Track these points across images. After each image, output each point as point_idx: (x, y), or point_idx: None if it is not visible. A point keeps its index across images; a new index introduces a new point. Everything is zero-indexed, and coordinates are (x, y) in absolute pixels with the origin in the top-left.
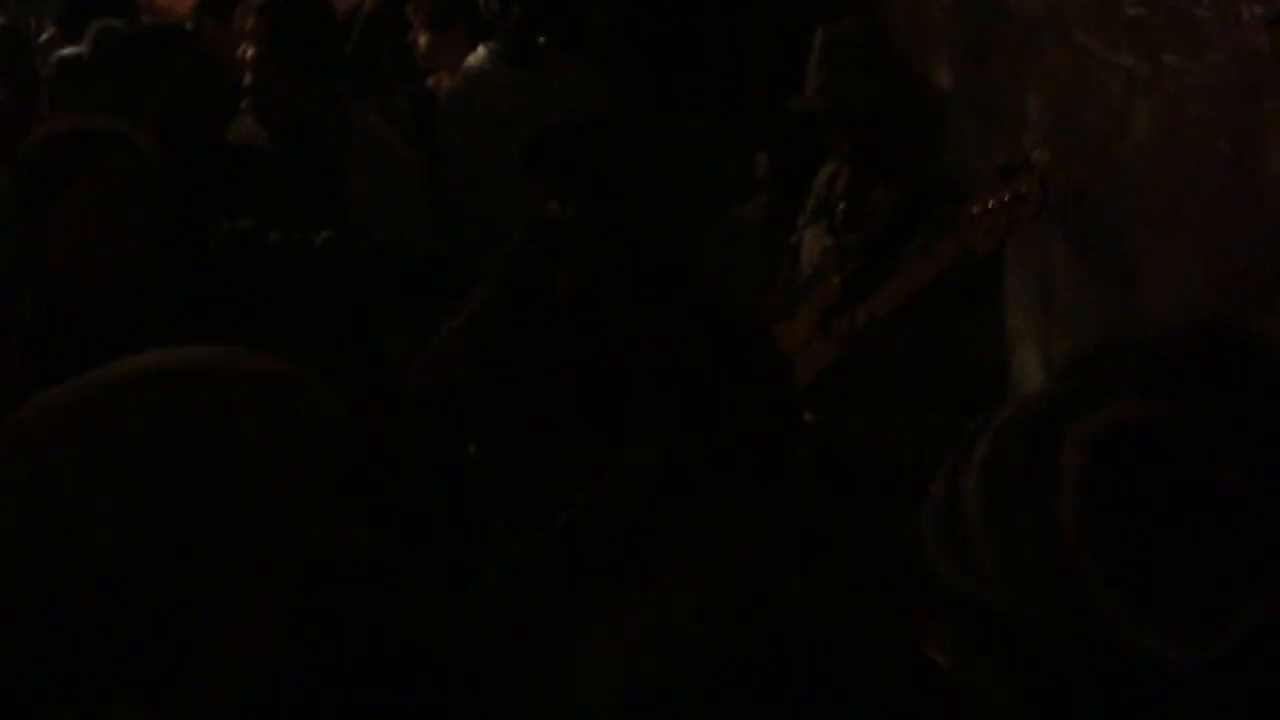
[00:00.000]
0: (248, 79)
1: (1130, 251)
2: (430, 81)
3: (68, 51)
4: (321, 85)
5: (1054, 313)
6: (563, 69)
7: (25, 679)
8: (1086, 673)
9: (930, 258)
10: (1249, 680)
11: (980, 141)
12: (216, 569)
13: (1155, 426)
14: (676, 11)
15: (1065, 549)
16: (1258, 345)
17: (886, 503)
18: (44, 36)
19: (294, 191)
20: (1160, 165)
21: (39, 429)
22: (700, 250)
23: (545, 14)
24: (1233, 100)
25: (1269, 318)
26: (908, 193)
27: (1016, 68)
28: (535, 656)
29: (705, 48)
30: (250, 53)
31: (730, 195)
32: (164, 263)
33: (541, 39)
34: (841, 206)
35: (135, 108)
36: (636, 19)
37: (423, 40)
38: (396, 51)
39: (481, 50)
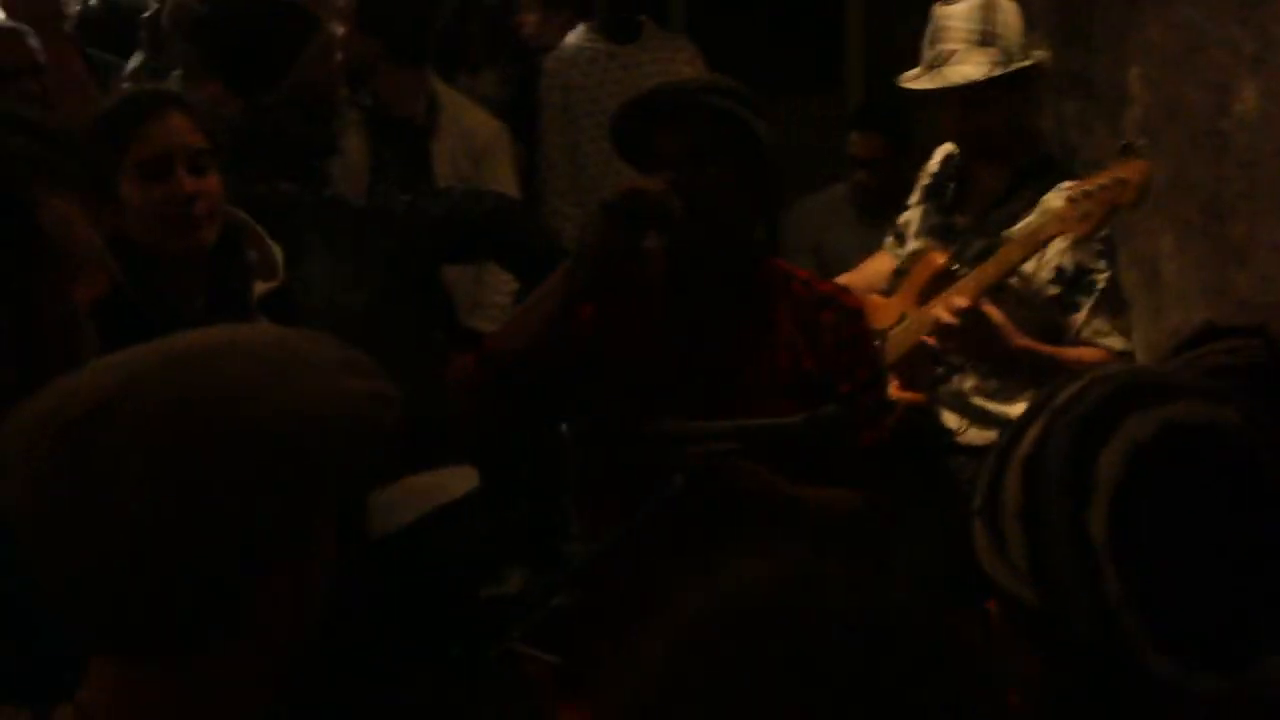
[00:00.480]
0: (339, 57)
1: (1236, 231)
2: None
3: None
4: (411, 64)
5: (1158, 295)
6: (662, 44)
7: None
8: (1107, 678)
9: (1026, 240)
10: (1268, 703)
11: (1081, 120)
12: (258, 529)
13: (1207, 433)
14: None
15: (1093, 564)
16: None
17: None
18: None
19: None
20: (1268, 143)
21: (93, 393)
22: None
23: None
24: None
25: None
26: (1016, 174)
27: (1118, 43)
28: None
29: (800, 27)
30: (342, 31)
31: (821, 173)
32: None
33: (640, 15)
34: (952, 186)
35: (250, 75)
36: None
37: (533, 20)
38: (487, 32)
39: (581, 28)
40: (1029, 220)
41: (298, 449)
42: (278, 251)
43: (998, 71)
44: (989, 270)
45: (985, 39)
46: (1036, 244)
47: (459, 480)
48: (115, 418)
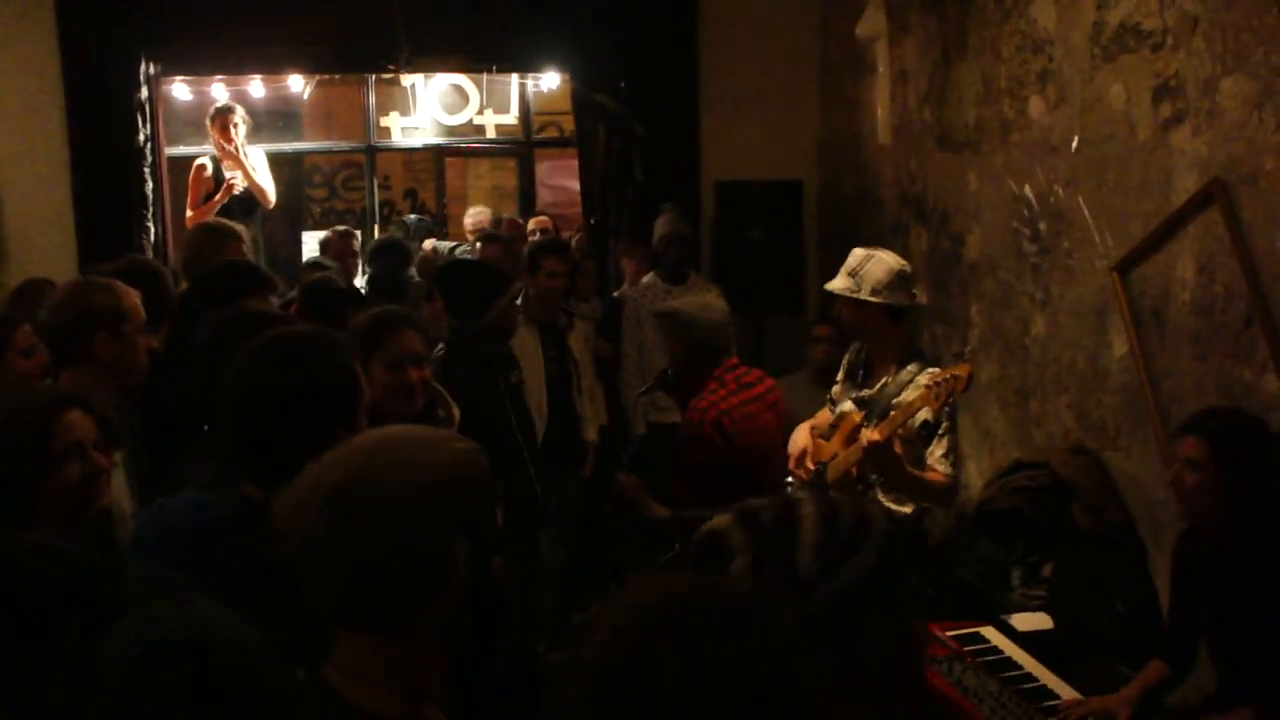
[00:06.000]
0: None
1: (1032, 407)
2: (616, 293)
3: None
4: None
5: (990, 443)
6: (704, 289)
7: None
8: None
9: (906, 408)
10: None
11: (945, 337)
12: (430, 551)
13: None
14: None
15: None
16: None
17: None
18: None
19: None
20: (1050, 355)
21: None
22: None
23: (691, 256)
24: (1087, 315)
25: None
26: (900, 366)
27: (965, 293)
28: None
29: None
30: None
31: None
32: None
33: (689, 270)
34: (861, 372)
35: (464, 308)
36: None
37: (627, 265)
38: (593, 272)
39: (651, 275)
40: (908, 395)
41: (442, 497)
42: (455, 409)
43: (847, 293)
44: (889, 423)
45: (852, 272)
46: (912, 410)
47: None
48: (344, 492)
